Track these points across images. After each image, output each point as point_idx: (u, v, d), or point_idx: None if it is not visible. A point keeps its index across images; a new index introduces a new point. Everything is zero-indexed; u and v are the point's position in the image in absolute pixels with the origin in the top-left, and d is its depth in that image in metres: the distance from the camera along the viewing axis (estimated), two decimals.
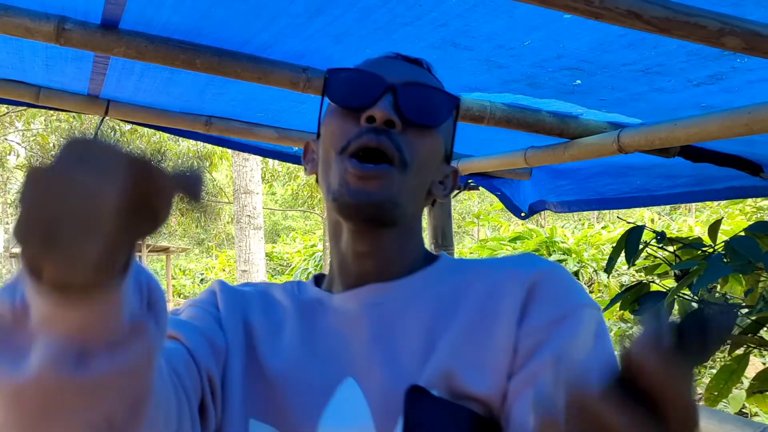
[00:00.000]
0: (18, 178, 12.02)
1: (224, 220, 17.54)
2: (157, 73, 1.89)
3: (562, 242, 6.19)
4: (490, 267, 0.96)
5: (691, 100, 1.68)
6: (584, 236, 6.67)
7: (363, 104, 0.91)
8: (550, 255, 6.04)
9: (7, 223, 12.78)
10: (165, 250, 20.50)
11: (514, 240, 6.46)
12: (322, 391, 0.91)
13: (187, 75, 1.79)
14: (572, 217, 24.79)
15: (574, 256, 6.05)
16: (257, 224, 5.71)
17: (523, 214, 3.39)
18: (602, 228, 8.69)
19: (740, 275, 2.05)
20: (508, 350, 0.87)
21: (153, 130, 12.91)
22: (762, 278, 2.05)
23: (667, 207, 25.46)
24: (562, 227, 8.21)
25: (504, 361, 0.87)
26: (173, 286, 20.78)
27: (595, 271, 6.27)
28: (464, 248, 11.34)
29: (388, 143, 0.90)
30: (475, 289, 0.92)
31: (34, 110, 9.09)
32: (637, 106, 1.78)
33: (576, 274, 6.04)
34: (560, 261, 5.96)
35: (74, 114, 9.03)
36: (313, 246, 16.73)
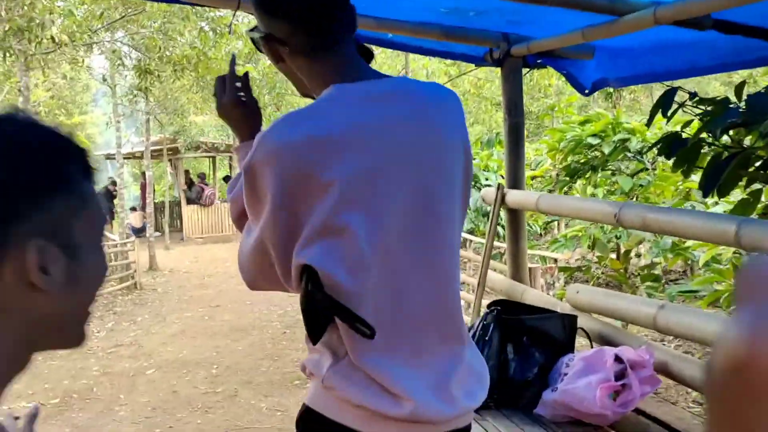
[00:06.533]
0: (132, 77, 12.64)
1: None
2: None
3: (627, 123, 6.48)
4: None
5: None
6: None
7: None
8: (615, 134, 6.36)
9: (119, 122, 13.57)
10: None
11: (582, 123, 6.77)
12: None
13: None
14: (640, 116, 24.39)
15: (638, 135, 6.33)
16: None
17: (586, 91, 3.75)
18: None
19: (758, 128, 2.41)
20: None
21: None
22: None
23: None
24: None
25: None
26: None
27: None
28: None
29: None
30: None
31: (148, 14, 9.69)
32: None
33: (639, 152, 6.35)
34: (624, 140, 6.29)
35: (184, 16, 9.62)
36: None
